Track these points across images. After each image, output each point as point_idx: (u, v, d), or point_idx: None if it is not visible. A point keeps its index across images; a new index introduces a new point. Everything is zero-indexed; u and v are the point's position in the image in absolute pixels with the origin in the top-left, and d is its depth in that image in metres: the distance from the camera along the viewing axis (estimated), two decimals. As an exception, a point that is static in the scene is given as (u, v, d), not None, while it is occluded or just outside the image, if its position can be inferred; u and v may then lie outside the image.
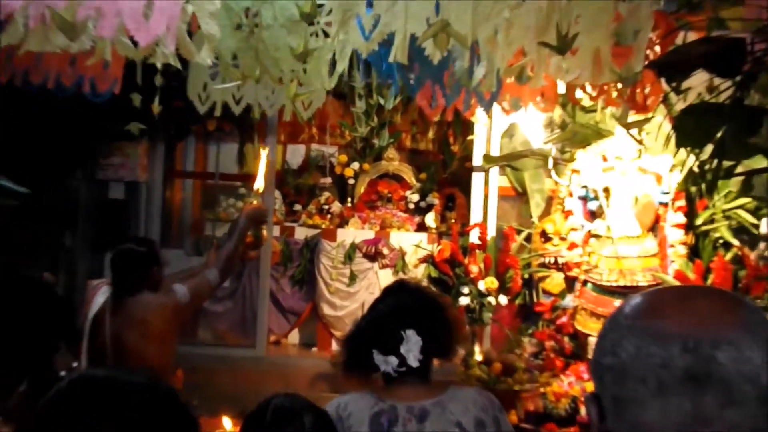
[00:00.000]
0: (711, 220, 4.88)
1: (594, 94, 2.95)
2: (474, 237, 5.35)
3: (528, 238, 5.45)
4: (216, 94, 2.98)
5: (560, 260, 5.21)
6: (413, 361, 2.03)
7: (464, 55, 2.19)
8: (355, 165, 7.29)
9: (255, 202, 3.60)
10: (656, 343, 0.86)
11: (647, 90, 2.86)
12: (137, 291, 3.35)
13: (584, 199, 5.16)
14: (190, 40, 2.16)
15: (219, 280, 3.48)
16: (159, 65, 2.14)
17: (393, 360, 2.04)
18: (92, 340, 3.33)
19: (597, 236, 5.07)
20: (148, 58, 2.20)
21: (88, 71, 2.79)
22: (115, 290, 3.39)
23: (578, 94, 3.09)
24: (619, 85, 2.74)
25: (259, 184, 3.66)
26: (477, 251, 5.24)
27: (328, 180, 7.35)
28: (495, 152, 5.61)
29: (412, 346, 2.03)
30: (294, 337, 6.74)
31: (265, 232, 3.61)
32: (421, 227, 6.88)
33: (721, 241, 4.85)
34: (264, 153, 3.68)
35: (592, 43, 2.24)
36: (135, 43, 2.08)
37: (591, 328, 4.91)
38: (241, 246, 3.49)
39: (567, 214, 5.23)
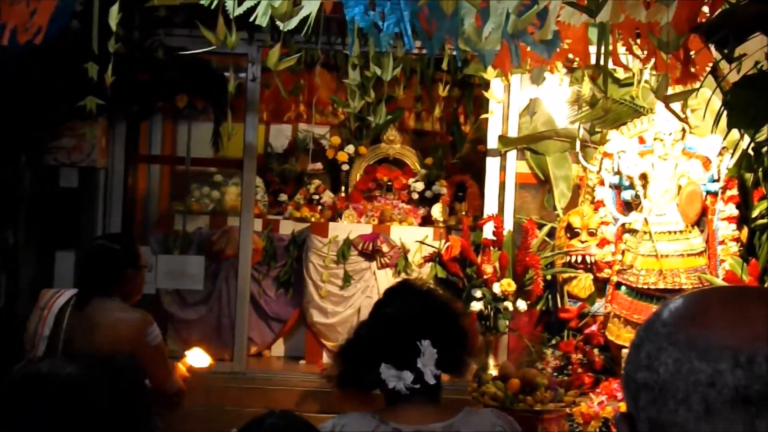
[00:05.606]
0: (769, 213, 4.87)
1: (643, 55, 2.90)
2: (488, 232, 5.34)
3: (551, 234, 5.44)
4: None
5: (589, 259, 5.21)
6: (430, 377, 2.02)
7: (471, 13, 2.17)
8: (350, 148, 7.29)
9: None
10: (701, 357, 0.84)
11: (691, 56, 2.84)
12: (104, 293, 3.37)
13: (618, 187, 5.16)
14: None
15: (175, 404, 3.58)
16: (113, 26, 2.11)
17: (408, 375, 2.02)
18: (50, 344, 3.36)
19: (632, 231, 5.07)
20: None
21: (12, 19, 2.72)
22: (80, 291, 3.43)
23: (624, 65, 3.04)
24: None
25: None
26: (491, 248, 5.23)
27: (318, 166, 7.34)
28: (513, 133, 5.60)
29: (427, 360, 2.01)
30: (278, 348, 6.75)
31: None
32: (427, 221, 6.88)
33: (780, 237, 4.85)
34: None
35: None
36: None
37: (625, 339, 4.91)
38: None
39: (597, 205, 5.23)
